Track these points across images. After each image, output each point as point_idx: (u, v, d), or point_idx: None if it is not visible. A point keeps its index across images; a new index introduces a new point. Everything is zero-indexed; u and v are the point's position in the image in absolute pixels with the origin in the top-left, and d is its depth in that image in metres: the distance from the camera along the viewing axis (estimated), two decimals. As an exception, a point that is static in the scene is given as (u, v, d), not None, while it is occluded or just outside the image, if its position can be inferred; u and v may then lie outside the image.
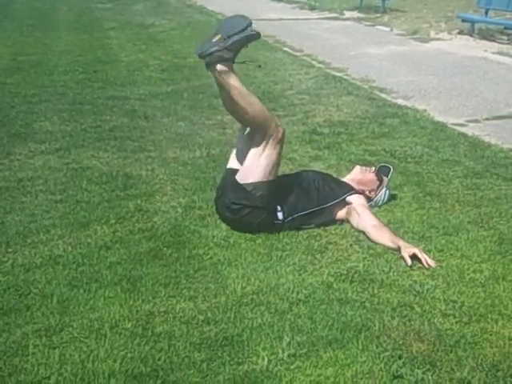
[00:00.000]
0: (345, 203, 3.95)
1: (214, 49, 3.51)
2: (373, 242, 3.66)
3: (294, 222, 3.82)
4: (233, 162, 3.95)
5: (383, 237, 3.63)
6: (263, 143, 3.70)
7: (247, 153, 3.78)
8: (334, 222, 3.93)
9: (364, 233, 3.75)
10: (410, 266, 3.36)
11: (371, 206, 4.10)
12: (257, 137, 3.73)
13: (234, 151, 3.99)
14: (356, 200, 3.95)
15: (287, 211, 3.82)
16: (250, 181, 3.71)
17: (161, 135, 5.74)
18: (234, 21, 3.65)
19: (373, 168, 4.33)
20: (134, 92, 7.48)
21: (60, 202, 4.17)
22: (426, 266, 3.36)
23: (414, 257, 3.40)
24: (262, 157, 3.71)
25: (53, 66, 9.00)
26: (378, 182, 4.19)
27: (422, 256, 3.40)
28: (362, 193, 4.07)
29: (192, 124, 6.16)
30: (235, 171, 3.83)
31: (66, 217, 3.93)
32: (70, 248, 3.52)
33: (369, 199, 4.11)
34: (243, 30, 3.55)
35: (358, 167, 4.35)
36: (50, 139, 5.53)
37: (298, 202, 3.87)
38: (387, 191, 4.22)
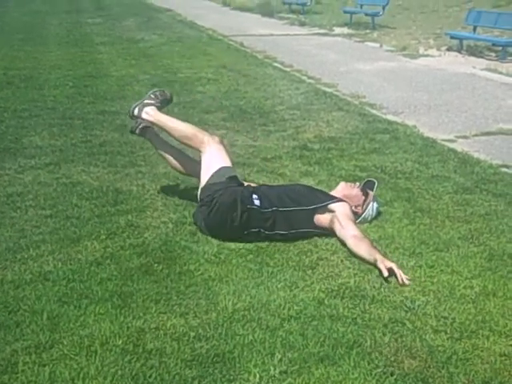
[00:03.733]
0: (328, 210, 3.93)
1: (136, 103, 4.51)
2: (351, 252, 3.66)
3: (272, 214, 3.85)
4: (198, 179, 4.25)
5: (361, 248, 3.61)
6: (205, 151, 4.16)
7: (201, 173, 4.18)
8: (316, 228, 3.92)
9: (344, 242, 3.74)
10: (386, 279, 3.35)
11: (361, 223, 4.11)
12: (200, 152, 4.21)
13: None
14: (340, 208, 3.93)
15: (266, 202, 3.89)
16: (209, 175, 4.04)
17: (151, 150, 5.70)
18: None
19: (357, 183, 4.33)
20: (125, 107, 7.43)
21: (50, 217, 4.15)
22: (401, 282, 3.34)
23: (390, 271, 3.39)
24: (208, 157, 4.13)
25: (43, 81, 9.00)
26: (363, 197, 4.18)
27: (398, 271, 3.38)
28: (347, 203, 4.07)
29: (183, 139, 6.15)
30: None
31: (56, 232, 3.91)
32: (60, 264, 3.49)
33: (356, 215, 4.11)
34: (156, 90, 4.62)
35: (342, 183, 4.34)
36: (39, 154, 5.51)
37: (279, 198, 3.95)
38: (375, 205, 4.22)
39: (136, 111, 4.42)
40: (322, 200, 3.98)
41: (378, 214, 4.25)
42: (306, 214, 3.92)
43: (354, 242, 3.67)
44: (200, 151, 4.22)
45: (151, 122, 4.45)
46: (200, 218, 3.98)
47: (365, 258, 3.57)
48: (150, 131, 4.58)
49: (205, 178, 4.08)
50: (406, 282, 3.35)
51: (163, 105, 4.53)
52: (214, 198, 3.91)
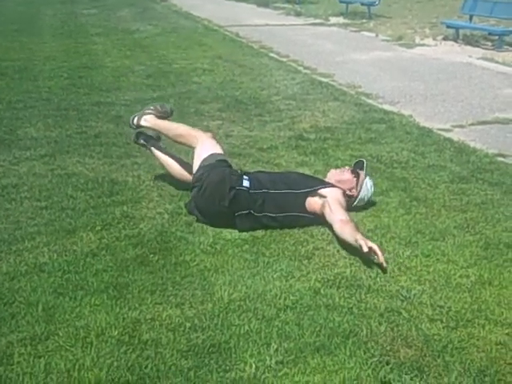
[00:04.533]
0: (320, 195, 3.91)
1: (135, 114, 4.71)
2: (336, 236, 3.66)
3: (262, 195, 3.85)
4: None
5: (345, 231, 3.59)
6: (198, 145, 4.28)
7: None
8: (306, 212, 3.90)
9: (331, 227, 3.73)
10: (366, 252, 3.33)
11: (360, 203, 4.14)
12: (194, 151, 4.31)
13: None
14: (331, 193, 3.92)
15: (256, 184, 3.93)
16: (200, 162, 4.16)
17: (147, 141, 5.71)
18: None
19: (347, 167, 4.31)
20: (120, 98, 7.45)
21: (45, 208, 4.14)
22: (380, 262, 3.32)
23: (371, 250, 3.35)
24: (200, 148, 4.25)
25: (37, 72, 8.96)
26: (355, 179, 4.15)
27: (379, 252, 3.33)
28: (341, 189, 4.05)
29: (178, 130, 6.13)
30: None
31: (51, 224, 3.90)
32: (55, 255, 3.49)
33: (352, 198, 4.10)
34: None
35: (332, 170, 4.33)
36: (34, 145, 5.49)
37: (271, 181, 3.97)
38: (369, 183, 4.18)
39: (135, 120, 4.61)
40: (315, 185, 3.98)
41: (375, 188, 4.25)
42: (297, 198, 3.92)
43: (339, 226, 3.66)
44: (193, 147, 4.33)
45: (149, 128, 4.62)
46: (192, 204, 4.03)
47: (347, 239, 3.55)
48: (152, 141, 4.70)
49: (196, 163, 4.20)
50: (384, 264, 3.34)
51: (162, 116, 4.63)
52: (203, 178, 4.00)
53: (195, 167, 4.20)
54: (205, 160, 4.16)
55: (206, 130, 4.75)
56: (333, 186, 4.02)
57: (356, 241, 3.44)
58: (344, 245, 3.61)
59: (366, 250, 3.34)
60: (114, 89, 7.97)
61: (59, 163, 5.04)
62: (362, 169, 4.21)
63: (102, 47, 11.50)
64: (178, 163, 4.51)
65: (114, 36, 12.94)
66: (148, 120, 4.57)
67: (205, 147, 4.26)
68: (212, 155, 4.19)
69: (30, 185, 4.55)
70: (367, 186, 4.17)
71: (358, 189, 4.13)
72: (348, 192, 4.09)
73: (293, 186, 3.96)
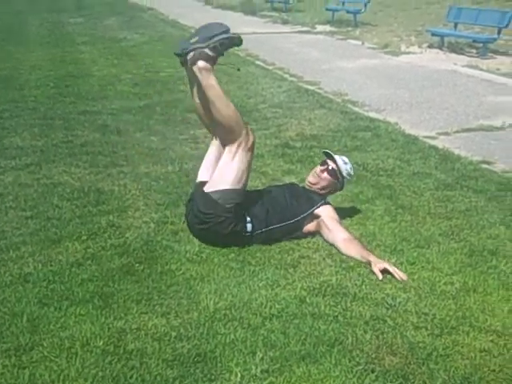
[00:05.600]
0: (313, 217, 3.94)
1: (197, 45, 3.62)
2: (343, 255, 3.68)
3: (262, 235, 3.81)
4: (202, 175, 3.95)
5: (353, 251, 3.64)
6: (233, 151, 3.70)
7: (216, 164, 3.82)
8: (304, 235, 3.94)
9: (334, 246, 3.76)
10: (381, 280, 3.38)
11: (349, 181, 4.23)
12: (227, 145, 3.75)
13: (204, 164, 4.00)
14: (324, 212, 3.94)
15: (256, 224, 3.80)
16: (219, 188, 3.69)
17: (133, 150, 5.71)
18: (212, 26, 3.75)
19: (317, 167, 4.17)
20: (106, 107, 7.44)
21: (31, 218, 4.12)
22: (399, 279, 3.37)
23: (385, 271, 3.43)
24: (232, 164, 3.71)
25: (24, 81, 8.94)
26: (331, 172, 4.10)
27: (393, 270, 3.42)
28: (330, 204, 4.08)
29: (165, 139, 6.15)
30: (204, 183, 3.83)
31: (36, 234, 3.88)
32: (40, 265, 3.47)
33: (339, 184, 4.16)
34: (223, 33, 3.67)
35: (309, 179, 4.17)
36: (20, 155, 5.47)
37: (268, 216, 3.86)
38: (344, 165, 4.13)
39: (190, 56, 3.66)
40: (306, 209, 3.96)
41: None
42: (294, 226, 3.92)
43: (344, 245, 3.69)
44: (230, 142, 3.72)
45: (195, 76, 3.70)
46: (191, 222, 3.87)
47: (354, 257, 3.60)
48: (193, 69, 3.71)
49: (216, 183, 3.72)
50: (404, 277, 3.39)
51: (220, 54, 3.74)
52: (209, 221, 3.71)
53: (215, 182, 3.73)
54: (224, 196, 3.67)
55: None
56: (323, 203, 4.01)
57: (369, 262, 3.50)
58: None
59: (380, 278, 3.39)
60: (101, 98, 7.96)
61: (45, 172, 5.03)
62: (331, 158, 4.16)
63: (89, 56, 11.49)
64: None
65: (100, 45, 12.93)
66: (202, 67, 3.64)
67: (236, 169, 3.70)
68: (233, 192, 3.69)
69: (16, 194, 4.53)
70: (346, 167, 4.14)
71: (338, 175, 4.12)
72: (335, 185, 4.15)
73: (287, 216, 3.90)
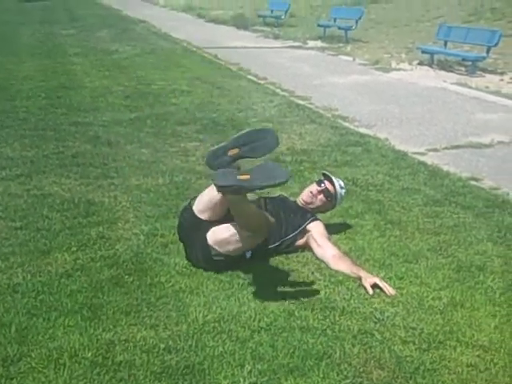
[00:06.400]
0: (304, 232, 3.96)
1: (245, 184, 3.12)
2: (333, 270, 3.70)
3: (259, 255, 3.80)
4: (203, 212, 3.65)
5: (343, 266, 3.67)
6: (248, 236, 3.49)
7: (221, 207, 3.58)
8: (294, 249, 3.96)
9: (324, 262, 3.78)
10: (371, 295, 3.39)
11: (341, 201, 4.28)
12: (243, 223, 3.47)
13: (206, 198, 3.65)
14: (314, 228, 3.97)
15: (255, 250, 3.73)
16: (222, 251, 3.55)
17: (124, 162, 5.72)
18: (274, 168, 3.27)
19: (314, 187, 4.17)
20: (98, 118, 7.45)
21: (20, 229, 4.12)
22: (388, 294, 3.39)
23: (375, 286, 3.44)
24: (238, 239, 3.51)
25: (15, 92, 8.94)
26: (328, 193, 4.14)
27: (383, 285, 3.45)
28: (319, 219, 4.09)
29: (155, 151, 6.16)
30: (205, 225, 3.62)
31: (26, 244, 3.88)
32: (29, 276, 3.47)
33: (331, 206, 4.23)
34: (277, 183, 3.20)
35: (302, 197, 4.17)
36: (10, 165, 5.47)
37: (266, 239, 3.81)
38: (338, 184, 4.18)
39: (220, 181, 3.16)
40: (300, 224, 3.98)
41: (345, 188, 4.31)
42: (287, 243, 3.94)
43: (333, 262, 3.72)
44: (246, 227, 3.46)
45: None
46: (193, 252, 3.69)
47: (345, 273, 3.62)
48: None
49: (219, 243, 3.55)
50: (393, 292, 3.41)
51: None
52: (212, 258, 3.60)
53: (221, 234, 3.55)
54: (229, 257, 3.58)
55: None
56: (313, 219, 4.03)
57: (359, 279, 3.52)
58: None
59: (371, 293, 3.40)
60: (92, 109, 7.97)
61: (35, 183, 5.03)
62: (328, 179, 4.21)
63: (81, 67, 11.51)
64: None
65: (92, 56, 12.95)
66: (237, 198, 3.33)
67: (246, 245, 3.57)
68: (237, 257, 3.62)
69: (5, 205, 4.53)
70: (341, 191, 4.21)
71: (334, 196, 4.17)
72: (324, 210, 4.22)
73: (282, 235, 3.91)
